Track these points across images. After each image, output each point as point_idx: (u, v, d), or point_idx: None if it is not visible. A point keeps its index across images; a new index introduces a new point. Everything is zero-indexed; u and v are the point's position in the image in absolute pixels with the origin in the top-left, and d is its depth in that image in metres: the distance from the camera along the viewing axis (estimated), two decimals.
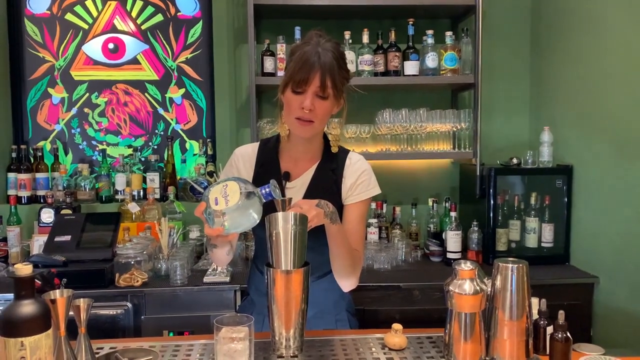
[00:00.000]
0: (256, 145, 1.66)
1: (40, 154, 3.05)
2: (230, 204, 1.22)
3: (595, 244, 2.53)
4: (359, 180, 1.58)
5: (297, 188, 1.57)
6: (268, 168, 1.59)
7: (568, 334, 1.30)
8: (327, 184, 1.57)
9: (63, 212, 2.72)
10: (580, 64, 2.61)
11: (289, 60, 1.48)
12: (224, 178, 1.30)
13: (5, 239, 2.73)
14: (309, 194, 1.55)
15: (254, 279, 1.70)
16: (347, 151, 1.65)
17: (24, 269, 1.06)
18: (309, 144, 1.58)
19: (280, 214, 1.28)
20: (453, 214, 2.75)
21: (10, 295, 1.07)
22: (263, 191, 1.26)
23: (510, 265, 1.25)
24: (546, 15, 2.96)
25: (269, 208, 1.30)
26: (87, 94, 3.15)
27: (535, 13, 3.09)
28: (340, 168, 1.59)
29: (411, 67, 2.79)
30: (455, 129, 2.84)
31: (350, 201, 1.57)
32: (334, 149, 1.61)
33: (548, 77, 2.95)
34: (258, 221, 1.28)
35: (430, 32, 2.81)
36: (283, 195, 1.53)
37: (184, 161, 3.18)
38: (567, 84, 2.74)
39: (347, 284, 1.59)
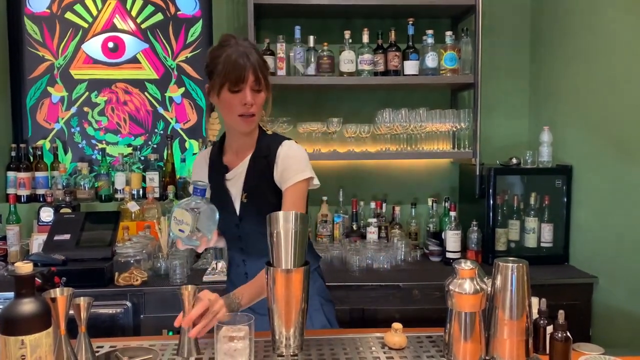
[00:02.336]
0: (209, 149, 1.81)
1: (39, 152, 3.04)
2: (191, 223, 1.36)
3: (594, 244, 2.53)
4: (286, 166, 1.63)
5: (236, 178, 1.68)
6: (214, 165, 1.74)
7: (568, 334, 1.30)
8: (261, 170, 1.65)
9: (62, 211, 2.72)
10: (580, 64, 2.62)
11: (213, 64, 1.58)
12: (170, 214, 1.42)
13: (4, 238, 2.72)
14: (246, 182, 1.65)
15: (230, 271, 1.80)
16: (282, 139, 1.70)
17: (25, 267, 1.06)
18: (246, 136, 1.67)
19: (280, 214, 1.29)
20: (452, 213, 2.75)
21: (11, 294, 1.08)
22: (197, 193, 1.41)
23: (510, 264, 1.25)
24: (546, 15, 2.96)
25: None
26: (87, 93, 3.15)
27: (535, 13, 3.09)
28: (273, 155, 1.65)
29: (411, 67, 2.79)
30: (454, 129, 2.84)
31: (284, 187, 1.63)
32: (265, 129, 1.71)
33: (548, 77, 2.95)
34: (217, 211, 1.44)
35: (430, 31, 2.81)
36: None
37: (183, 160, 3.17)
38: (567, 84, 2.74)
39: None
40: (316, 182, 1.66)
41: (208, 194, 1.40)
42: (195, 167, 1.81)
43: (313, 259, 1.77)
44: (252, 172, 1.66)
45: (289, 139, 1.70)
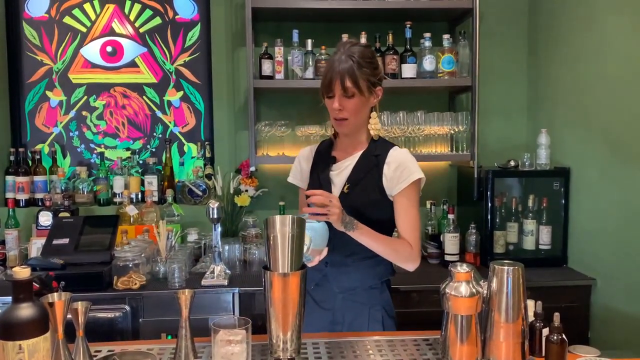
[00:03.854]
0: (315, 145, 1.91)
1: (38, 157, 3.05)
2: (308, 243, 1.46)
3: (592, 246, 2.53)
4: (397, 170, 1.69)
5: (341, 170, 1.76)
6: (322, 158, 1.83)
7: (563, 336, 1.30)
8: (368, 167, 1.72)
9: (61, 215, 2.72)
10: (577, 66, 2.62)
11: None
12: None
13: (3, 242, 2.73)
14: (352, 174, 1.73)
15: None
16: (394, 145, 1.78)
17: (22, 272, 1.06)
18: (353, 137, 1.76)
19: (277, 217, 1.29)
20: (451, 216, 2.76)
21: (9, 299, 1.08)
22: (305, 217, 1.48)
23: (506, 267, 1.25)
24: (543, 17, 2.97)
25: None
26: (86, 97, 3.15)
27: (532, 16, 3.10)
28: (384, 155, 1.73)
29: (409, 70, 2.79)
30: (452, 132, 2.84)
31: (395, 192, 1.69)
32: (375, 136, 1.76)
33: (545, 79, 2.96)
34: (325, 225, 1.57)
35: (427, 35, 2.82)
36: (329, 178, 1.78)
37: (182, 164, 3.18)
38: (564, 86, 2.75)
39: (405, 267, 1.72)
40: (423, 179, 1.72)
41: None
42: (299, 158, 1.91)
43: (385, 270, 1.79)
44: (360, 167, 1.73)
45: (396, 145, 1.79)
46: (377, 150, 1.74)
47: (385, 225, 1.73)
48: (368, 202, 1.69)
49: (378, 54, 2.81)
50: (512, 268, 1.25)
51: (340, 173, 1.75)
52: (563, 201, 2.70)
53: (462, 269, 1.27)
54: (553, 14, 2.86)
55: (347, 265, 1.72)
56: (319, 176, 1.79)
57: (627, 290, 2.28)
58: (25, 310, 1.06)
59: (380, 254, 1.66)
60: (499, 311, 1.25)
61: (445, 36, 2.81)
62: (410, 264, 1.70)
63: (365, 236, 1.60)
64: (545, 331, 1.36)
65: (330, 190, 1.72)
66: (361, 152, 1.75)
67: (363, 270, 1.73)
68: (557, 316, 1.31)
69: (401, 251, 1.67)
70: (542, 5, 2.98)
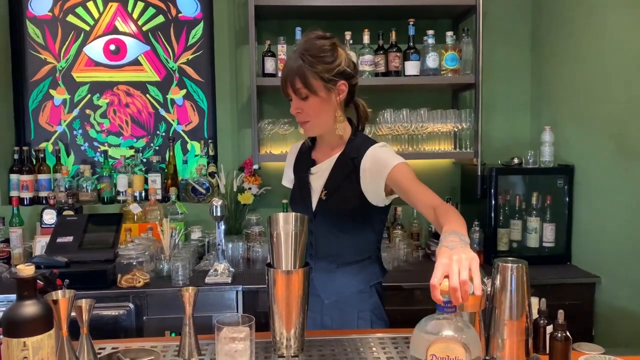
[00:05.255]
0: (301, 142, 1.85)
1: (42, 155, 3.05)
2: None
3: (596, 244, 2.53)
4: (374, 174, 1.56)
5: (320, 173, 1.68)
6: (303, 157, 1.77)
7: (568, 334, 1.30)
8: (345, 172, 1.62)
9: (65, 213, 2.73)
10: (581, 64, 2.61)
11: None
12: None
13: (7, 240, 2.74)
14: (329, 179, 1.64)
15: None
16: (372, 143, 1.64)
17: (27, 270, 1.07)
18: (327, 138, 1.67)
19: (281, 215, 1.29)
20: None
21: (13, 296, 1.08)
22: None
23: (509, 265, 1.25)
24: (547, 15, 2.96)
25: None
26: (89, 96, 3.16)
27: (535, 13, 3.09)
28: (360, 158, 1.61)
29: (412, 68, 2.79)
30: (456, 129, 2.84)
31: (380, 190, 1.56)
32: (343, 134, 1.64)
33: (549, 76, 2.95)
34: None
35: (430, 32, 2.81)
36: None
37: (185, 162, 3.18)
38: (568, 84, 2.74)
39: None
40: (405, 163, 1.56)
41: None
42: (289, 154, 1.87)
43: (372, 274, 1.69)
44: (337, 171, 1.63)
45: (377, 142, 1.65)
46: (353, 153, 1.62)
47: (363, 233, 1.63)
48: (346, 211, 1.60)
49: (381, 52, 2.81)
50: (515, 265, 1.24)
51: (319, 177, 1.67)
52: (567, 199, 2.70)
53: None
54: (556, 10, 2.85)
55: (332, 271, 1.65)
56: (300, 181, 1.73)
57: (631, 288, 2.27)
58: (30, 308, 1.06)
59: None
60: (502, 308, 1.24)
61: (449, 33, 2.81)
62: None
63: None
64: (549, 329, 1.35)
65: (309, 196, 1.67)
66: (339, 153, 1.65)
67: (350, 276, 1.65)
68: (561, 313, 1.30)
69: (459, 216, 1.45)
70: (546, 2, 2.96)
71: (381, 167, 1.55)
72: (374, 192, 1.58)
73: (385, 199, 1.61)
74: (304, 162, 1.74)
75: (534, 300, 1.37)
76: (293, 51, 1.57)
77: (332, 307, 1.66)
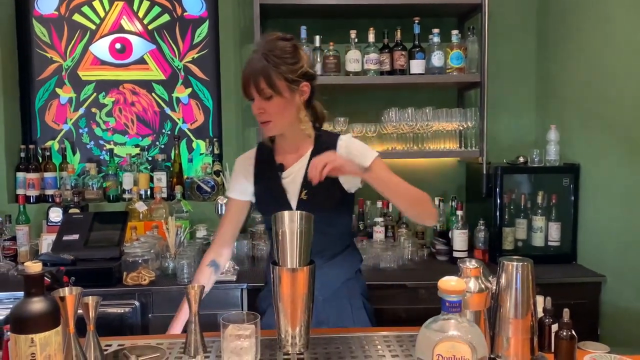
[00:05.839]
0: (254, 149, 1.80)
1: (48, 153, 3.07)
2: None
3: (602, 243, 2.52)
4: (355, 151, 1.63)
5: (292, 176, 1.68)
6: (266, 164, 1.73)
7: (573, 332, 1.30)
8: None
9: (71, 211, 2.74)
10: (587, 62, 2.60)
11: None
12: None
13: (14, 238, 2.75)
14: (306, 181, 1.61)
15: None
16: (338, 135, 1.72)
17: (34, 267, 1.07)
18: (291, 137, 1.67)
19: (286, 213, 1.30)
20: (459, 212, 2.75)
21: (20, 294, 1.09)
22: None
23: (515, 263, 1.25)
24: (553, 13, 2.95)
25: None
26: (95, 94, 3.17)
27: (541, 11, 3.08)
28: (334, 147, 1.65)
29: (417, 66, 2.78)
30: (461, 128, 2.83)
31: (356, 182, 1.66)
32: (310, 134, 1.67)
33: (554, 75, 2.94)
34: None
35: (436, 30, 2.80)
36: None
37: (190, 160, 3.19)
38: (574, 82, 2.73)
39: (426, 218, 1.66)
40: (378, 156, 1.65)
41: None
42: (237, 171, 1.79)
43: (355, 260, 1.79)
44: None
45: (342, 134, 1.73)
46: (325, 146, 1.63)
47: (347, 229, 1.72)
48: (331, 204, 1.63)
49: (386, 50, 2.80)
50: (521, 264, 1.25)
51: (294, 179, 1.67)
52: (572, 198, 2.69)
53: (471, 265, 1.27)
54: (562, 9, 2.84)
55: (321, 267, 1.55)
56: (270, 187, 1.70)
57: (637, 287, 2.27)
58: (37, 305, 1.07)
59: (399, 198, 1.59)
60: (507, 307, 1.25)
61: (454, 32, 2.80)
62: (433, 213, 1.63)
63: (380, 178, 1.55)
64: (555, 327, 1.35)
65: (286, 200, 1.66)
66: (309, 151, 1.66)
67: (337, 267, 1.70)
68: (566, 312, 1.30)
69: (421, 195, 1.59)
70: (552, 0, 2.95)
71: (360, 155, 1.61)
72: (349, 182, 1.65)
73: (359, 184, 1.68)
74: (269, 167, 1.71)
75: (539, 299, 1.37)
76: (253, 51, 1.59)
77: (324, 302, 1.68)
